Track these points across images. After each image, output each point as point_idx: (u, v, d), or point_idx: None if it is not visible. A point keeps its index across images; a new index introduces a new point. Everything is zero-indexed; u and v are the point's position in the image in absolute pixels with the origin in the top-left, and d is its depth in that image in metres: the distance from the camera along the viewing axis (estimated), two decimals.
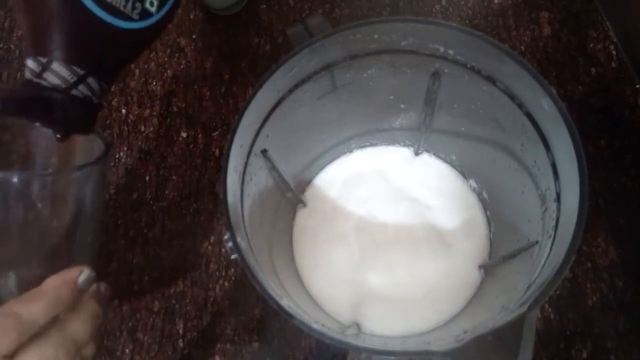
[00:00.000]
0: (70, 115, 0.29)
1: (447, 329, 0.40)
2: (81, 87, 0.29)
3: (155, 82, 0.55)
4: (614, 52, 0.52)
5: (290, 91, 0.35)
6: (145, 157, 0.52)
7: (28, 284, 0.26)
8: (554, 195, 0.31)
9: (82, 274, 0.27)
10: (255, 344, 0.45)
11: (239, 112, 0.31)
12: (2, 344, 0.23)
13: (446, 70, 0.35)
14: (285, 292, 0.34)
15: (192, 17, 0.58)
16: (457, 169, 0.47)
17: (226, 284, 0.47)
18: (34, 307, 0.24)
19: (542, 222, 0.33)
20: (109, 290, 0.29)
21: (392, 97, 0.41)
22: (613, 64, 0.51)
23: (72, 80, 0.28)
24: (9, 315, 0.23)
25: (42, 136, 0.31)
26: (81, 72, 0.28)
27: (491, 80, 0.33)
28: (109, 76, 0.31)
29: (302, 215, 0.46)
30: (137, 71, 0.56)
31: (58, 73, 0.28)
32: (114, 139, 0.51)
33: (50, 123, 0.28)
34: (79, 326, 0.26)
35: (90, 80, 0.29)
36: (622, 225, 0.46)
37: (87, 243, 0.30)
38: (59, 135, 0.29)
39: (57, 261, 0.28)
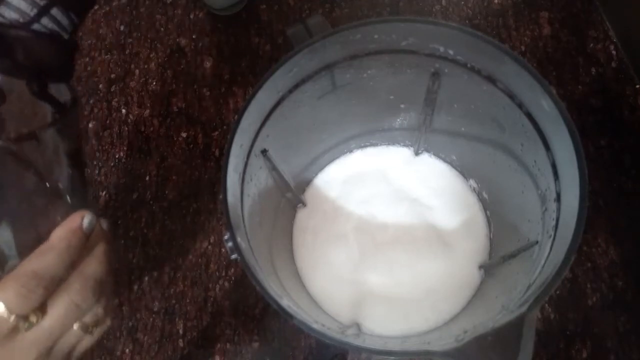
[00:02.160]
0: (37, 56, 0.25)
1: (447, 329, 0.40)
2: (44, 21, 0.25)
3: (155, 82, 0.55)
4: (614, 52, 0.52)
5: (290, 91, 0.35)
6: (145, 157, 0.52)
7: (25, 238, 0.26)
8: (554, 195, 0.31)
9: (85, 218, 0.27)
10: (255, 344, 0.45)
11: (239, 112, 0.31)
12: (32, 301, 0.24)
13: (446, 70, 0.35)
14: (285, 292, 0.34)
15: (192, 17, 0.58)
16: (457, 169, 0.47)
17: (226, 284, 0.47)
18: (49, 261, 0.25)
19: (542, 222, 0.33)
20: (109, 224, 0.30)
21: (392, 97, 0.40)
22: (613, 64, 0.51)
23: (32, 13, 0.24)
24: (29, 275, 0.24)
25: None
26: (41, 2, 0.24)
27: (491, 80, 0.33)
28: (78, 5, 0.27)
29: (302, 215, 0.46)
30: (137, 71, 0.56)
31: (14, 5, 0.24)
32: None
33: (15, 69, 0.24)
34: (96, 266, 0.27)
35: (55, 11, 0.25)
36: (622, 225, 0.46)
37: (79, 190, 0.30)
38: (33, 84, 0.24)
39: (51, 212, 0.28)
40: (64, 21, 0.26)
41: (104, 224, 0.29)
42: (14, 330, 0.24)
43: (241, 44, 0.56)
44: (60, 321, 0.25)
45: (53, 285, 0.25)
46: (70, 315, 0.25)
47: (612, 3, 0.53)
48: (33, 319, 0.24)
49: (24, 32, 0.24)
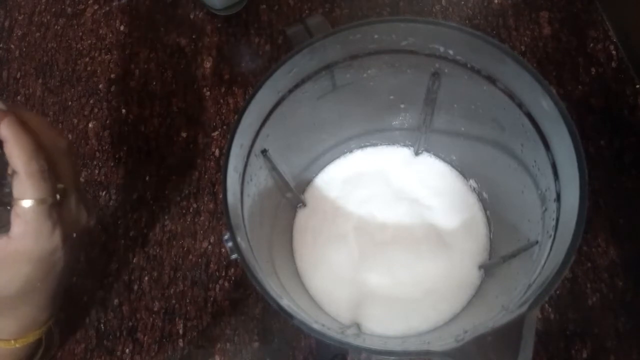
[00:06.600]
0: None
1: (447, 329, 0.40)
2: None
3: (155, 82, 0.55)
4: (614, 52, 0.52)
5: (290, 91, 0.35)
6: (145, 157, 0.52)
7: None
8: (554, 195, 0.31)
9: None
10: (255, 344, 0.45)
11: (239, 112, 0.31)
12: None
13: (446, 70, 0.35)
14: (285, 292, 0.34)
15: (192, 17, 0.58)
16: (457, 169, 0.47)
17: (226, 284, 0.47)
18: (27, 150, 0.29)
19: (542, 222, 0.33)
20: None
21: (392, 97, 0.40)
22: (613, 64, 0.51)
23: None
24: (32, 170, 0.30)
25: None
26: None
27: (491, 80, 0.33)
28: None
29: (302, 215, 0.46)
30: (137, 71, 0.56)
31: None
32: None
33: None
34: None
35: None
36: (622, 225, 0.46)
37: None
38: None
39: None
40: None
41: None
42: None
43: (241, 44, 0.56)
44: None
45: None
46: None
47: (612, 3, 0.53)
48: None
49: None
